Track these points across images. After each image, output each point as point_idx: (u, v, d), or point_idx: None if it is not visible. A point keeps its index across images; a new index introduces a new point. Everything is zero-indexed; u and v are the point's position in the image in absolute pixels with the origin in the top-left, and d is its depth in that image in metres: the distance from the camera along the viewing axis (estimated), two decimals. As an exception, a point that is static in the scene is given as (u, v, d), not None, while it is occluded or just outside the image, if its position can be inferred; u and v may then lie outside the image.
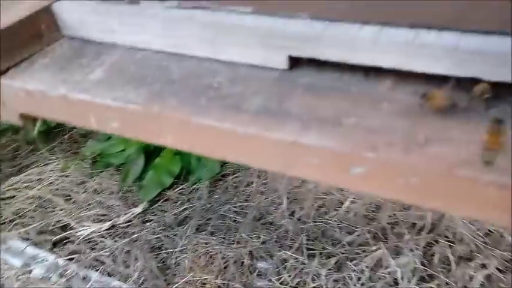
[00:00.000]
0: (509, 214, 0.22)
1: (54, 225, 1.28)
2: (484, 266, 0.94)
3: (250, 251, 1.10)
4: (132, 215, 1.26)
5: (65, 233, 1.24)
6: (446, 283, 0.92)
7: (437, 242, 1.01)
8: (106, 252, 1.16)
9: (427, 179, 0.24)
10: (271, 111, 0.28)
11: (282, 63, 0.31)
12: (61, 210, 1.33)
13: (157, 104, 0.31)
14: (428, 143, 0.24)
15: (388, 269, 0.97)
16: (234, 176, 1.35)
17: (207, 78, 0.32)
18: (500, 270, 0.93)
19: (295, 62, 0.32)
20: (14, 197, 1.35)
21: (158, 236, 1.18)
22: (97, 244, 1.21)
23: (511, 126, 0.24)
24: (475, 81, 0.26)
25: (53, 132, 1.53)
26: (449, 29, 0.26)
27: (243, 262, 1.08)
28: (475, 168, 0.23)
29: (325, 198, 1.21)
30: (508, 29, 0.25)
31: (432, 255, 0.98)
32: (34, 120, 0.38)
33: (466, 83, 0.26)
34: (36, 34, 0.37)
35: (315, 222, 1.15)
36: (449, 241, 1.00)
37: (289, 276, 1.03)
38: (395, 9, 0.27)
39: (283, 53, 0.31)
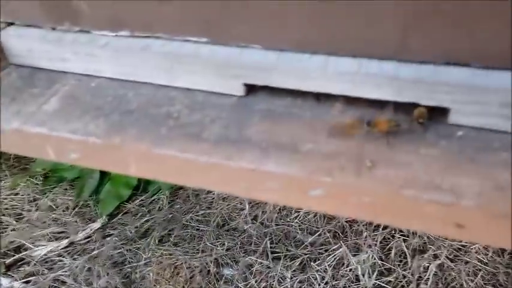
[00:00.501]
0: (449, 227, 0.25)
1: (6, 246, 1.22)
2: (436, 256, 1.01)
3: (215, 259, 1.11)
4: (91, 231, 1.23)
5: (20, 255, 1.19)
6: (403, 276, 0.98)
7: (393, 236, 1.07)
8: (66, 271, 1.12)
9: (377, 198, 0.26)
10: (231, 139, 0.30)
11: (238, 90, 0.33)
12: (13, 230, 1.27)
13: (118, 135, 0.31)
14: (376, 166, 0.27)
15: (350, 267, 1.01)
16: (195, 184, 1.34)
17: (165, 106, 0.33)
18: (450, 259, 1.00)
19: (251, 89, 0.33)
20: (-41, 220, 1.26)
21: (120, 250, 1.16)
22: (55, 264, 1.16)
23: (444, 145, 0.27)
24: (415, 105, 0.29)
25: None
26: (388, 59, 0.29)
27: (209, 270, 1.09)
28: (417, 188, 0.25)
29: (286, 201, 1.24)
30: (441, 60, 0.28)
31: (389, 249, 1.04)
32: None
33: (408, 106, 0.29)
34: (-18, 64, 0.36)
35: (277, 225, 1.17)
36: (403, 235, 1.06)
37: (256, 281, 1.04)
38: (340, 40, 0.29)
39: (239, 81, 0.32)
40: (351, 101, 0.31)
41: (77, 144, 0.31)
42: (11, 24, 0.38)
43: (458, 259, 1.01)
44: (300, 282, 1.03)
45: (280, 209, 1.24)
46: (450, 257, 1.01)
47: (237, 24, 0.31)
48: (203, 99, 0.33)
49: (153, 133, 0.31)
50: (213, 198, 1.29)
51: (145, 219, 1.24)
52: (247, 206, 1.24)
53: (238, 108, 0.32)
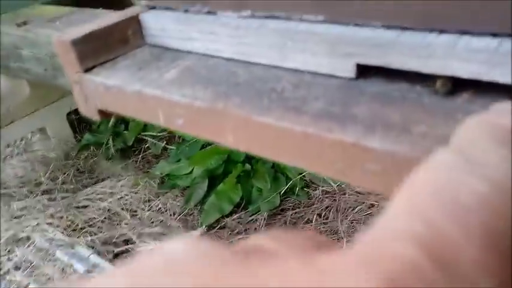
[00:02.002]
0: None
1: (118, 237, 1.34)
2: None
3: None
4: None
5: (127, 246, 1.29)
6: None
7: None
8: (161, 270, 1.17)
9: None
10: (333, 114, 0.27)
11: (350, 71, 0.31)
12: (126, 224, 1.40)
13: (222, 101, 0.31)
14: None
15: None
16: (294, 211, 1.32)
17: (271, 83, 0.33)
18: None
19: (363, 71, 0.31)
20: (87, 206, 1.44)
21: (212, 262, 1.18)
22: (153, 261, 1.23)
23: None
24: None
25: (129, 150, 1.64)
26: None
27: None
28: None
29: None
30: None
31: None
32: (109, 115, 0.40)
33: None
34: (122, 39, 0.41)
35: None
36: None
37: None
38: (475, 17, 0.25)
39: (351, 61, 0.30)
40: (482, 89, 0.27)
41: (184, 108, 0.33)
42: (153, 8, 0.43)
43: None
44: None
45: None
46: None
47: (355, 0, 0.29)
48: (311, 79, 0.32)
49: (255, 103, 0.30)
50: (310, 230, 1.24)
51: (240, 236, 1.24)
52: (345, 244, 1.16)
53: (347, 89, 0.30)
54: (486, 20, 0.25)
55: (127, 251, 1.30)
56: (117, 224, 1.41)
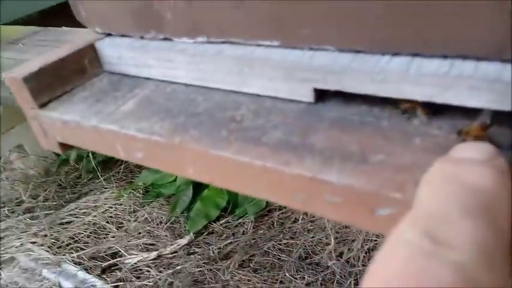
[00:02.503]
0: None
1: (105, 251, 1.32)
2: None
3: (293, 292, 1.05)
4: (178, 246, 1.27)
5: (114, 260, 1.28)
6: None
7: None
8: (150, 282, 1.17)
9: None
10: (292, 145, 0.27)
11: (308, 96, 0.30)
12: (113, 237, 1.38)
13: (179, 135, 0.30)
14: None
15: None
16: (280, 211, 1.32)
17: (230, 110, 0.32)
18: None
19: (322, 95, 0.30)
20: (71, 222, 1.42)
21: (201, 269, 1.17)
22: (142, 273, 1.22)
23: None
24: (522, 115, 0.23)
25: (110, 162, 1.62)
26: (488, 59, 0.23)
27: (285, 303, 1.04)
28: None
29: (376, 240, 1.14)
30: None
31: None
32: (71, 148, 0.39)
33: (508, 117, 0.23)
34: (79, 69, 0.40)
35: (364, 265, 1.07)
36: None
37: (335, 323, 0.96)
38: (427, 39, 0.25)
39: (308, 85, 0.30)
40: (438, 109, 0.26)
41: (142, 142, 0.32)
42: (109, 35, 0.42)
43: None
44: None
45: (369, 248, 1.14)
46: None
47: (308, 25, 0.29)
48: (270, 105, 0.32)
49: (214, 135, 0.30)
50: (298, 229, 1.24)
51: (229, 241, 1.24)
52: (332, 241, 1.17)
53: (306, 115, 0.30)
54: (437, 43, 0.25)
55: (115, 264, 1.28)
56: (104, 238, 1.39)
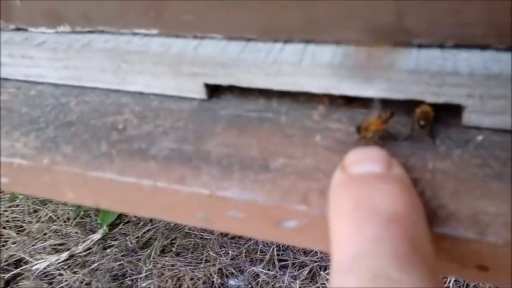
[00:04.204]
0: (469, 269, 0.18)
1: (6, 261, 1.18)
2: None
3: (219, 269, 1.05)
4: (91, 242, 1.18)
5: (19, 269, 1.15)
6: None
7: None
8: (64, 286, 1.08)
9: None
10: (185, 155, 0.23)
11: (199, 92, 0.26)
12: (14, 243, 1.23)
13: (48, 155, 0.25)
14: (370, 186, 0.20)
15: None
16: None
17: (111, 116, 0.27)
18: None
19: (215, 90, 0.27)
20: (-42, 235, 1.24)
21: (121, 262, 1.11)
22: (55, 278, 1.12)
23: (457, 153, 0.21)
24: (418, 102, 0.22)
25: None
26: (382, 45, 0.22)
27: (213, 282, 1.03)
28: (425, 216, 0.18)
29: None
30: (450, 42, 0.21)
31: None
32: None
33: (409, 106, 0.22)
34: None
35: (284, 231, 1.11)
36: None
37: (262, 292, 0.98)
38: (320, 26, 0.23)
39: (198, 81, 0.26)
40: (336, 100, 0.25)
41: (3, 167, 0.26)
42: None
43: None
44: (309, 292, 0.96)
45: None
46: None
47: (191, 9, 0.25)
48: (158, 104, 0.27)
49: (91, 150, 0.25)
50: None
51: (147, 228, 1.19)
52: (252, 212, 1.17)
53: (199, 115, 0.26)
54: (330, 29, 0.23)
55: (20, 274, 1.15)
56: (3, 246, 1.24)
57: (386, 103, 0.23)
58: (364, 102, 0.24)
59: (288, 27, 0.24)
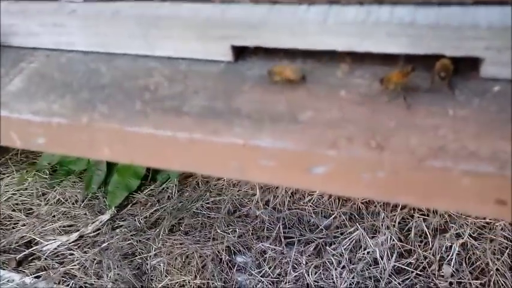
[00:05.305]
0: (488, 204, 0.20)
1: (17, 242, 1.21)
2: (458, 235, 0.96)
3: (227, 247, 1.07)
4: (100, 223, 1.20)
5: (30, 250, 1.18)
6: (425, 257, 0.93)
7: (412, 216, 1.02)
8: (76, 265, 1.10)
9: (396, 173, 0.21)
10: (217, 111, 0.25)
11: (226, 54, 0.28)
12: (23, 225, 1.26)
13: (86, 113, 0.26)
14: (393, 133, 0.22)
15: (367, 250, 0.97)
16: (204, 171, 1.31)
17: (142, 79, 0.28)
18: (473, 238, 0.94)
19: (241, 52, 0.28)
20: (-31, 217, 1.26)
21: (130, 241, 1.13)
22: (66, 257, 1.15)
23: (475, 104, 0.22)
24: (437, 58, 0.23)
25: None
26: (402, 3, 0.23)
27: (221, 259, 1.06)
28: (447, 158, 0.20)
29: (298, 184, 1.19)
30: (470, -3, 0.22)
31: (408, 230, 0.99)
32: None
33: (430, 61, 0.24)
34: None
35: (290, 209, 1.13)
36: (423, 214, 1.01)
37: (270, 267, 1.01)
38: (344, -17, 0.24)
39: (225, 43, 0.27)
40: (359, 58, 0.26)
41: (41, 127, 0.27)
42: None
43: (482, 237, 0.95)
44: (315, 267, 0.99)
45: (292, 192, 1.19)
46: (474, 235, 0.95)
47: (219, -26, 0.26)
48: (186, 68, 0.29)
49: (126, 109, 0.26)
50: (223, 185, 1.25)
51: (155, 208, 1.21)
52: (258, 192, 1.20)
53: (227, 76, 0.27)
54: (353, -12, 0.24)
55: (32, 254, 1.18)
56: (13, 228, 1.26)
57: (407, 60, 0.24)
58: (385, 60, 0.25)
59: (313, -12, 0.25)
